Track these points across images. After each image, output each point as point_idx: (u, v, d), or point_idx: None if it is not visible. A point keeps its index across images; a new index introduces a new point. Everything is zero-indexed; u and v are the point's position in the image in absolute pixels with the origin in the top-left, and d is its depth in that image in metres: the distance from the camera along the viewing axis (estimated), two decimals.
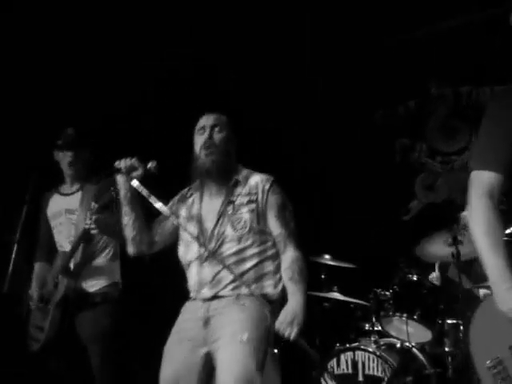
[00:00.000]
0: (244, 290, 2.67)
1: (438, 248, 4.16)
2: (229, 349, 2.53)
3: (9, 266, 3.28)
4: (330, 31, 5.48)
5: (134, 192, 2.78)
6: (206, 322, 2.67)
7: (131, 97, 5.33)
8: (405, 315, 4.00)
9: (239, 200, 2.76)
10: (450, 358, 4.03)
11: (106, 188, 3.38)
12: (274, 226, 2.75)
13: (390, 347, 4.02)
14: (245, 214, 2.72)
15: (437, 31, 5.45)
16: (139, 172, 2.77)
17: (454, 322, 4.06)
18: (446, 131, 5.66)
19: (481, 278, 4.27)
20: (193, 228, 2.79)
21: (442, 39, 5.45)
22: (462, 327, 4.04)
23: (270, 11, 5.10)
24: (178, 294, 5.01)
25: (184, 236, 2.84)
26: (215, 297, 2.69)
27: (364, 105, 5.85)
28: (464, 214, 4.63)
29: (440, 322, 4.02)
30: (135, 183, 2.76)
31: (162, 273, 5.43)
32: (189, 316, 2.75)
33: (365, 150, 5.66)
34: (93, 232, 3.41)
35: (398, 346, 4.05)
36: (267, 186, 2.78)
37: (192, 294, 2.80)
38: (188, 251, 2.80)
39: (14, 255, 3.28)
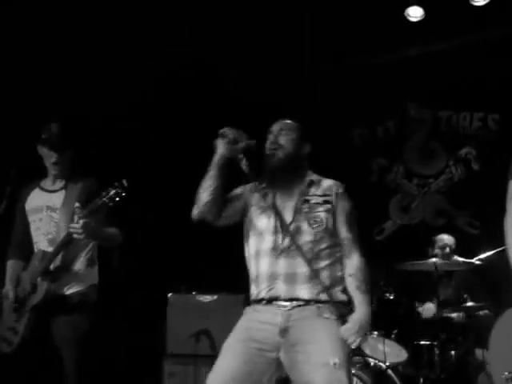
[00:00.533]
0: (320, 294, 2.65)
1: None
2: (322, 372, 2.52)
3: None
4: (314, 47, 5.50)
5: (226, 161, 2.76)
6: (285, 330, 2.62)
7: (129, 96, 5.29)
8: (381, 334, 3.97)
9: (315, 199, 2.76)
10: (422, 380, 4.02)
11: (93, 191, 3.32)
12: (342, 229, 2.76)
13: (365, 366, 3.98)
14: (321, 212, 2.73)
15: (420, 53, 5.53)
16: (242, 145, 2.75)
17: (429, 343, 4.05)
18: (423, 154, 5.72)
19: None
20: (267, 219, 2.76)
21: (424, 61, 5.54)
22: (436, 349, 4.03)
23: (269, 12, 5.09)
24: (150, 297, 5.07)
25: (258, 224, 2.79)
26: (292, 299, 2.64)
27: (342, 124, 5.89)
28: (439, 236, 4.67)
29: (415, 342, 4.00)
30: (241, 155, 2.75)
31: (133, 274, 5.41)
32: (262, 318, 2.67)
33: (341, 168, 5.66)
34: (78, 237, 3.31)
35: (372, 364, 4.01)
36: (340, 190, 2.79)
37: (259, 292, 2.71)
38: (261, 241, 2.75)
39: None
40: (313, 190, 2.79)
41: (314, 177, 2.85)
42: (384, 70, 5.66)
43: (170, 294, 5.11)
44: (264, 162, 2.78)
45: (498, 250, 4.19)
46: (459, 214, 5.45)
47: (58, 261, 3.37)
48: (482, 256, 4.25)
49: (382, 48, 5.51)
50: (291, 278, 2.65)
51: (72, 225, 3.25)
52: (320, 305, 2.64)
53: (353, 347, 2.61)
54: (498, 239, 4.45)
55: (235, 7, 4.99)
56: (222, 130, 2.74)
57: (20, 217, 3.63)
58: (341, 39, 5.52)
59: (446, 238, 4.63)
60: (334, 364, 2.51)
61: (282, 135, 2.80)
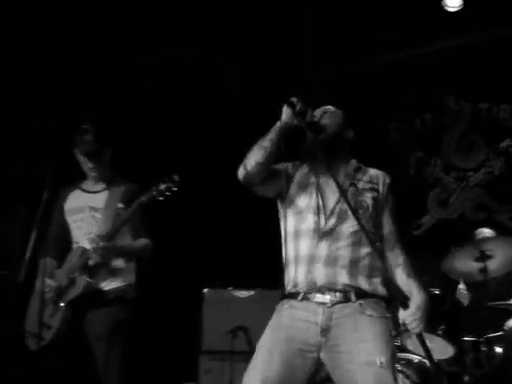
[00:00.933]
0: (360, 281, 2.56)
1: (463, 264, 4.05)
2: (368, 371, 2.43)
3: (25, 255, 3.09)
4: (339, 35, 5.39)
5: (287, 131, 2.62)
6: (326, 329, 2.51)
7: (131, 97, 5.26)
8: (427, 330, 3.86)
9: (361, 185, 2.66)
10: (467, 378, 3.91)
11: (135, 194, 3.36)
12: (387, 221, 2.68)
13: (409, 363, 3.88)
14: (368, 198, 2.63)
15: (458, 44, 5.41)
16: (307, 119, 2.60)
17: (475, 339, 3.94)
18: (462, 147, 5.59)
19: (496, 297, 4.19)
20: (308, 197, 2.66)
21: (463, 53, 5.41)
22: (482, 346, 3.92)
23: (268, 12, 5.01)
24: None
25: (299, 202, 2.68)
26: (329, 290, 2.54)
27: (379, 117, 5.78)
28: (479, 230, 4.56)
29: (461, 339, 3.90)
30: (305, 128, 2.61)
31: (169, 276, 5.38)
32: (301, 316, 2.56)
33: (378, 162, 5.56)
34: (94, 260, 3.33)
35: (416, 361, 3.91)
36: (387, 181, 2.72)
37: (296, 276, 2.60)
38: (301, 220, 2.64)
39: (32, 242, 3.09)
40: (359, 175, 2.69)
41: (360, 164, 2.77)
42: (421, 62, 5.54)
43: (205, 290, 5.08)
44: (306, 141, 2.64)
45: None
46: (500, 208, 5.33)
47: (97, 257, 3.35)
48: None
49: (420, 39, 5.39)
50: (332, 262, 2.54)
51: (93, 246, 3.29)
52: (362, 301, 2.53)
53: (416, 333, 2.55)
54: None
55: (236, 7, 4.88)
56: (291, 99, 2.59)
57: (57, 216, 3.62)
58: (373, 31, 5.40)
59: (487, 232, 4.52)
60: (381, 363, 2.41)
61: (325, 117, 2.71)
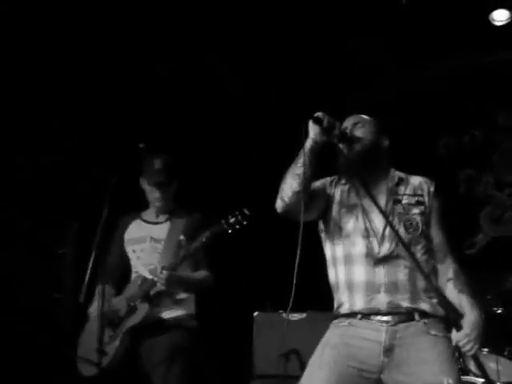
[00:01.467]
0: (424, 305, 2.46)
1: None
2: None
3: (85, 276, 3.06)
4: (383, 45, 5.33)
5: (319, 149, 2.49)
6: (389, 349, 2.42)
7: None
8: (493, 350, 3.73)
9: (406, 200, 2.56)
10: None
11: (197, 227, 3.39)
12: (436, 232, 2.56)
13: None
14: (416, 215, 2.52)
15: (508, 58, 5.31)
16: (336, 132, 2.49)
17: None
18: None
19: None
20: (354, 220, 2.55)
21: None
22: None
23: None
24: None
25: (345, 225, 2.57)
26: (392, 313, 2.45)
27: (428, 133, 5.69)
28: None
29: None
30: (336, 142, 2.52)
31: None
32: (362, 334, 2.47)
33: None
34: (161, 287, 3.32)
35: None
36: (432, 189, 2.60)
37: (353, 303, 2.51)
38: (351, 245, 2.53)
39: (91, 264, 3.06)
40: (402, 189, 2.58)
41: (401, 174, 2.65)
42: (470, 76, 5.46)
43: (255, 313, 5.00)
44: (341, 157, 2.57)
45: None
46: None
47: (160, 286, 3.33)
48: None
49: (469, 54, 5.31)
50: (393, 288, 2.44)
51: (158, 274, 3.27)
52: (426, 320, 2.44)
53: (469, 354, 2.44)
54: None
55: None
56: (316, 114, 2.47)
57: (116, 245, 3.62)
58: (419, 44, 5.33)
59: None
60: None
61: (357, 128, 2.59)
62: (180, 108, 5.32)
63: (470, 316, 2.42)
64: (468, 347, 2.38)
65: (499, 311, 3.90)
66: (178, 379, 3.28)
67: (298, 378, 4.48)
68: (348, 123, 2.62)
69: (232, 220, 3.26)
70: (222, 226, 3.27)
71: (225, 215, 3.29)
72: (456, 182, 5.65)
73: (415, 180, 2.62)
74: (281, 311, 4.96)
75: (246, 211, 3.29)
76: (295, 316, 4.92)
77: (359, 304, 2.48)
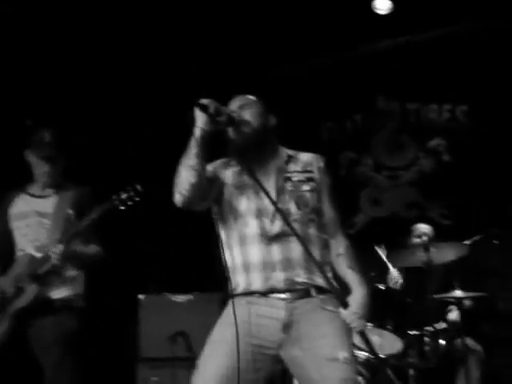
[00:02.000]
0: (319, 280, 2.46)
1: (409, 255, 4.15)
2: (332, 367, 2.36)
3: None
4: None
5: (209, 136, 2.41)
6: (288, 326, 2.43)
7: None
8: (376, 325, 3.89)
9: (297, 177, 2.54)
10: (412, 371, 3.97)
11: (86, 200, 3.31)
12: (327, 208, 2.56)
13: (356, 359, 3.89)
14: (306, 192, 2.51)
15: (387, 46, 5.52)
16: (223, 118, 2.42)
17: (419, 333, 4.00)
18: (393, 146, 5.71)
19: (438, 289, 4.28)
20: (246, 200, 2.51)
21: (392, 54, 5.53)
22: (426, 338, 3.99)
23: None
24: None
25: (238, 206, 2.52)
26: (289, 290, 2.44)
27: (310, 118, 5.81)
28: (416, 226, 4.66)
29: (407, 332, 3.95)
30: (224, 127, 2.46)
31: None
32: (261, 312, 2.45)
33: None
34: (55, 262, 3.17)
35: (363, 358, 3.92)
36: (322, 164, 2.60)
37: (250, 283, 2.48)
38: (244, 225, 2.50)
39: None
40: (292, 166, 2.56)
41: (290, 151, 2.63)
42: (351, 63, 5.62)
43: (140, 296, 4.91)
44: (229, 140, 2.52)
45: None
46: (431, 205, 5.47)
47: (47, 265, 3.17)
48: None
49: (350, 42, 5.45)
50: (288, 265, 2.45)
51: (52, 249, 3.15)
52: (323, 296, 2.47)
53: (356, 331, 2.44)
54: (470, 229, 4.56)
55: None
56: (201, 101, 2.38)
57: (0, 222, 3.41)
58: (303, 33, 5.43)
59: (423, 227, 4.62)
60: (344, 358, 2.36)
61: (245, 110, 2.54)
62: (71, 82, 5.08)
63: (358, 293, 2.47)
64: (355, 324, 2.42)
65: (382, 287, 4.06)
66: (68, 368, 3.17)
67: (185, 359, 4.53)
68: (234, 106, 2.57)
69: (124, 196, 3.18)
70: (113, 202, 3.18)
71: (116, 191, 3.21)
72: (337, 165, 5.81)
73: (305, 157, 2.62)
74: (166, 293, 4.92)
75: (139, 187, 3.21)
76: (181, 298, 4.89)
77: (256, 283, 2.47)
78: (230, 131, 2.49)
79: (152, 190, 3.20)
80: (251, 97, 2.63)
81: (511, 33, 5.10)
